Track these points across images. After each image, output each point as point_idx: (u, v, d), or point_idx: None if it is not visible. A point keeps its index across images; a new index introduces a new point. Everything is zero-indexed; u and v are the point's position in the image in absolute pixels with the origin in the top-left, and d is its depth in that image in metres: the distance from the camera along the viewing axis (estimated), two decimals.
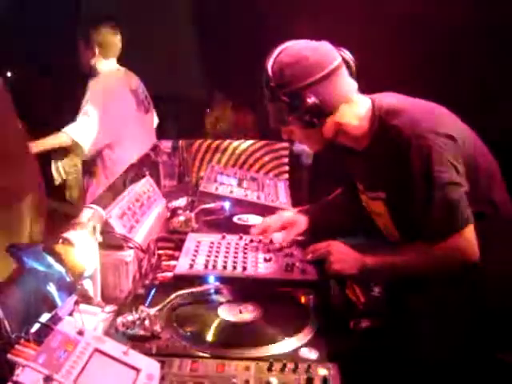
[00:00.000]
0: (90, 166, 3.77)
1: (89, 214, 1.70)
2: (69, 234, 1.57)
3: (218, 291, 1.82)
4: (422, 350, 1.88)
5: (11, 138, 3.08)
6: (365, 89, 1.98)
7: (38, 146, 3.46)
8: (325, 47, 1.90)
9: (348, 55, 1.92)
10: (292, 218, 2.33)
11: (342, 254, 1.89)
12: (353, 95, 1.93)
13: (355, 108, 1.93)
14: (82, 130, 3.49)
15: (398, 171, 1.83)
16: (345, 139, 1.99)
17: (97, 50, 3.65)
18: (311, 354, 1.48)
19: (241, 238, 2.32)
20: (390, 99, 1.96)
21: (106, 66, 3.72)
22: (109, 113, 3.57)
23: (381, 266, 1.86)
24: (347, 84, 1.91)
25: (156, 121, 4.20)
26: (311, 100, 1.82)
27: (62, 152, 3.68)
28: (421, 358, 1.87)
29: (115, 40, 3.71)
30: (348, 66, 1.91)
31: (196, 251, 2.15)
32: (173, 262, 2.09)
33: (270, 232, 2.26)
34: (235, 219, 2.67)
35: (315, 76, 1.83)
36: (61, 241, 1.54)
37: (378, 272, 1.89)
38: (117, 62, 3.81)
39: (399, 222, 1.99)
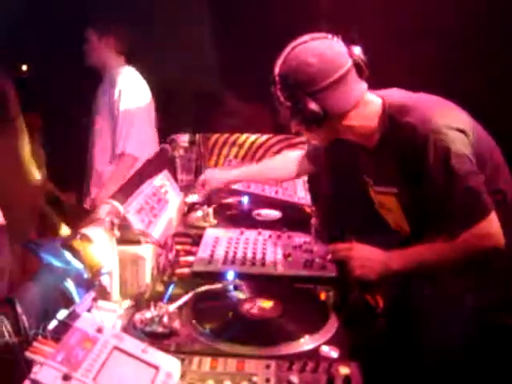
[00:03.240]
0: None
1: (107, 210, 1.68)
2: (87, 230, 1.55)
3: (237, 288, 1.80)
4: (438, 347, 1.88)
5: None
6: (372, 84, 1.95)
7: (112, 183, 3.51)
8: (334, 51, 1.84)
9: (359, 56, 1.86)
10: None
11: (364, 260, 1.84)
12: (361, 98, 1.88)
13: (363, 110, 1.89)
14: (138, 142, 3.53)
15: (413, 167, 1.81)
16: (352, 137, 1.97)
17: (114, 45, 3.62)
18: (332, 353, 1.46)
19: (259, 233, 2.30)
20: (399, 96, 1.94)
21: (119, 61, 3.69)
22: (142, 110, 3.58)
23: (407, 267, 1.83)
24: (355, 89, 1.86)
25: None
26: (312, 108, 1.80)
27: None
28: (437, 355, 1.87)
29: (128, 36, 3.69)
30: (359, 69, 1.86)
31: (214, 247, 2.13)
32: (190, 258, 2.08)
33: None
34: (253, 214, 2.65)
35: (318, 85, 1.79)
36: (79, 237, 1.52)
37: (403, 273, 1.87)
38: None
39: (411, 217, 1.97)
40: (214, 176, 2.69)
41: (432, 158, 1.75)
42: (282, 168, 2.63)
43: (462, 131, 1.79)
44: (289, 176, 2.66)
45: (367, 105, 1.90)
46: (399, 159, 1.85)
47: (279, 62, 1.86)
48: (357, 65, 1.86)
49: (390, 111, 1.87)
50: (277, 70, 1.85)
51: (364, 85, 1.90)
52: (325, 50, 1.84)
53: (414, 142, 1.78)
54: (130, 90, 3.55)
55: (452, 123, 1.79)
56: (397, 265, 1.83)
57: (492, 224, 1.76)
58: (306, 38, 1.88)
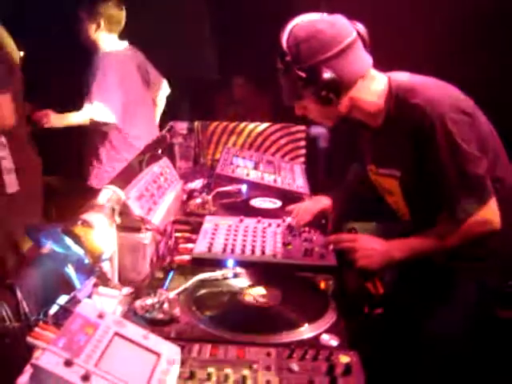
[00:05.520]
0: (94, 148, 3.75)
1: (107, 196, 1.67)
2: (88, 216, 1.54)
3: (237, 275, 1.80)
4: (437, 334, 1.89)
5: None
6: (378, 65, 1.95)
7: (60, 120, 3.51)
8: (340, 21, 1.86)
9: (362, 29, 1.88)
10: (323, 208, 2.37)
11: (368, 250, 1.86)
12: (369, 70, 1.89)
13: (371, 84, 1.90)
14: (104, 111, 3.50)
15: (419, 149, 1.82)
16: (359, 115, 1.97)
17: (102, 24, 3.59)
18: (332, 341, 1.47)
19: (259, 221, 2.29)
20: (406, 77, 1.94)
21: (110, 40, 3.66)
22: (121, 89, 3.55)
23: (410, 256, 1.85)
24: (363, 58, 1.88)
25: (167, 91, 4.19)
26: (328, 75, 1.79)
27: None
28: (437, 343, 1.88)
29: (121, 15, 3.66)
30: (363, 40, 1.87)
31: (214, 234, 2.13)
32: (190, 245, 2.07)
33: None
34: (252, 202, 2.64)
35: (332, 50, 1.79)
36: (79, 222, 1.51)
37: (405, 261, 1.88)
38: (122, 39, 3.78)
39: (411, 200, 1.99)
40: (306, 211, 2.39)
41: (440, 142, 1.76)
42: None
43: (468, 114, 1.81)
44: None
45: (374, 79, 1.91)
46: (405, 140, 1.85)
47: (285, 36, 1.84)
48: (361, 36, 1.87)
49: (398, 91, 1.88)
50: (284, 43, 1.83)
51: (369, 57, 1.90)
52: (332, 19, 1.86)
53: (421, 124, 1.78)
54: (110, 73, 3.53)
55: (460, 106, 1.80)
56: (399, 254, 1.85)
57: (492, 209, 1.81)
58: (305, 15, 1.88)
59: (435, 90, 1.85)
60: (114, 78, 3.51)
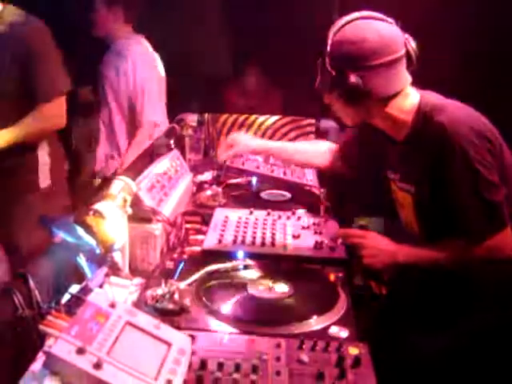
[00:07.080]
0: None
1: (119, 186, 1.68)
2: (99, 206, 1.55)
3: (247, 267, 1.80)
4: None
5: None
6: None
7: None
8: (392, 33, 1.83)
9: (413, 46, 1.86)
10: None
11: (375, 249, 1.85)
12: (404, 89, 1.88)
13: (402, 101, 1.89)
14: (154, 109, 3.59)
15: (437, 168, 1.81)
16: (383, 125, 1.96)
17: (122, 15, 3.59)
18: (342, 333, 1.47)
19: (269, 213, 2.30)
20: (438, 97, 1.93)
21: (126, 30, 3.66)
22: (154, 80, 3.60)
23: (414, 262, 1.85)
24: (401, 78, 1.86)
25: None
26: (355, 82, 1.78)
27: None
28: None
29: (138, 5, 3.67)
30: (409, 59, 1.86)
31: (224, 226, 2.14)
32: (200, 237, 2.08)
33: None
34: (262, 195, 2.65)
35: (368, 62, 1.78)
36: (91, 213, 1.52)
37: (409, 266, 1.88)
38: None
39: (423, 218, 1.97)
40: (243, 140, 2.51)
41: (458, 164, 1.75)
42: (314, 155, 2.48)
43: (489, 141, 1.78)
44: (318, 164, 2.50)
45: (407, 97, 1.90)
46: (425, 158, 1.85)
47: (335, 29, 1.84)
48: (409, 55, 1.85)
49: (426, 109, 1.86)
50: (331, 35, 1.83)
51: (409, 77, 1.89)
52: (384, 30, 1.83)
53: (442, 143, 1.77)
54: (141, 61, 3.55)
55: (482, 131, 1.78)
56: (403, 259, 1.84)
57: (506, 238, 1.78)
58: (364, 13, 1.87)
59: (460, 111, 1.84)
60: (146, 70, 3.58)
